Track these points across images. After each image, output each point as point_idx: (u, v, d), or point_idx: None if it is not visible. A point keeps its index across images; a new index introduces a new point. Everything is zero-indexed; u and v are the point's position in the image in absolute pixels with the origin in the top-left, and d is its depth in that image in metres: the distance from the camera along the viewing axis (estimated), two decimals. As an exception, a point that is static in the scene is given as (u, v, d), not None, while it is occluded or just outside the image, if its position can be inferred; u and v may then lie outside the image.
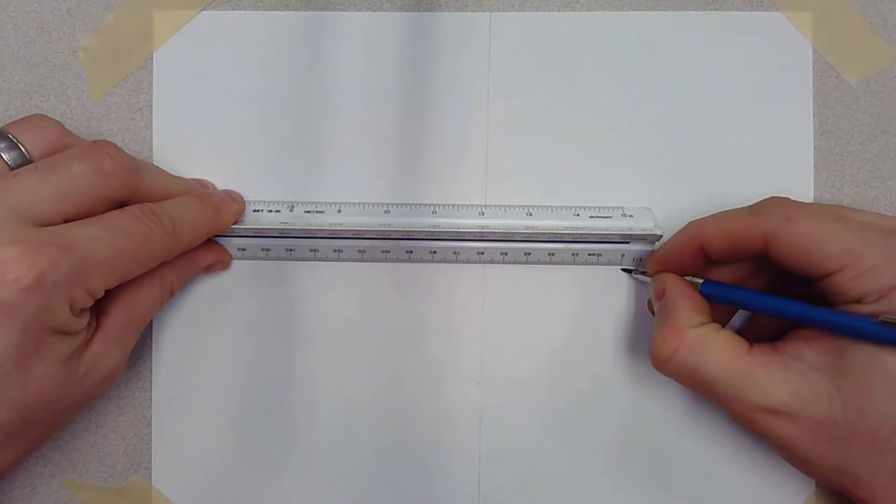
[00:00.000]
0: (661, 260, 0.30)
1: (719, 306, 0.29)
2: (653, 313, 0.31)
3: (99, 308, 0.27)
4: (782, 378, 0.25)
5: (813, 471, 0.26)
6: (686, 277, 0.29)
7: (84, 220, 0.25)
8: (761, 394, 0.25)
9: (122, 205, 0.26)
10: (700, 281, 0.28)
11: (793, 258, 0.25)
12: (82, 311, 0.25)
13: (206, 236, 0.29)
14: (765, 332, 0.30)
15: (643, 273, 0.31)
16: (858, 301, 0.25)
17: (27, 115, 0.28)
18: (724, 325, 0.28)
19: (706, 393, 0.27)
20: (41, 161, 0.25)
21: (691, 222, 0.29)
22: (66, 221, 0.25)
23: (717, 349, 0.26)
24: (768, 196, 0.27)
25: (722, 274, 0.29)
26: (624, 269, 0.32)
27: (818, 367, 0.25)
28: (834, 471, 0.25)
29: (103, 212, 0.26)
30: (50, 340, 0.24)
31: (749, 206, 0.27)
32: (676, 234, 0.29)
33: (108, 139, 0.31)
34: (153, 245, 0.26)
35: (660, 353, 0.27)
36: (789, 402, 0.25)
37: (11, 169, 0.25)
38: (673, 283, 0.29)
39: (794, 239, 0.25)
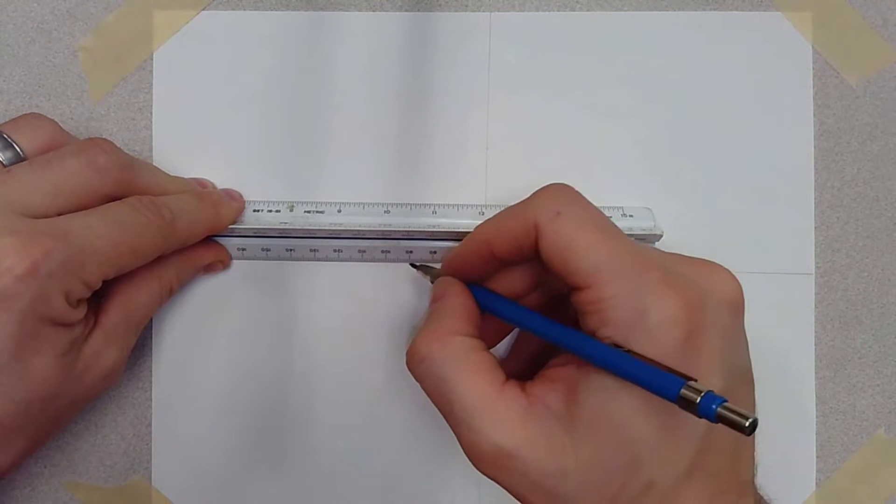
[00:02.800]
0: (451, 262, 0.28)
1: (490, 329, 0.28)
2: None
3: (97, 306, 0.27)
4: (521, 421, 0.23)
5: None
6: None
7: (80, 212, 0.25)
8: (496, 432, 0.23)
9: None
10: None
11: (552, 259, 0.23)
12: (79, 302, 0.25)
13: (204, 232, 0.29)
14: (528, 362, 0.29)
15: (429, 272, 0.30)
16: (593, 332, 0.23)
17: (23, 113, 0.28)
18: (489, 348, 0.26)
19: (445, 410, 0.24)
20: (36, 157, 0.26)
21: (480, 224, 0.26)
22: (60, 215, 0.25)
23: (474, 367, 0.24)
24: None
25: (511, 283, 0.27)
26: (412, 265, 0.31)
27: (556, 413, 0.23)
28: None
29: None
30: (47, 332, 0.24)
31: (529, 196, 0.25)
32: (468, 236, 0.27)
33: (108, 139, 0.31)
34: (151, 235, 0.26)
35: (416, 351, 0.25)
36: (522, 448, 0.22)
37: (6, 167, 0.25)
38: (454, 289, 0.27)
39: (556, 238, 0.23)
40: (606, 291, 0.22)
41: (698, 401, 0.20)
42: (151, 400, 0.32)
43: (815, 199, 0.32)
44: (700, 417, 0.20)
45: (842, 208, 0.32)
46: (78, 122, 0.32)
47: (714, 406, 0.20)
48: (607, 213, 0.30)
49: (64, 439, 0.32)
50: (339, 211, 0.31)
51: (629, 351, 0.22)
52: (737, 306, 0.24)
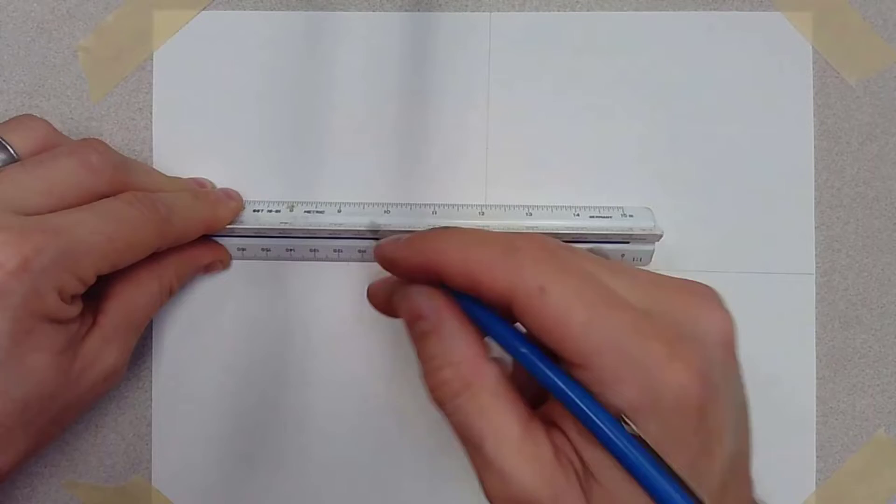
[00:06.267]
0: (390, 261, 0.24)
1: None
2: (371, 302, 0.27)
3: (96, 306, 0.27)
4: (549, 472, 0.20)
5: None
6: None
7: (73, 208, 0.25)
8: (527, 481, 0.20)
9: None
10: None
11: (540, 335, 0.20)
12: (73, 298, 0.25)
13: (201, 229, 0.29)
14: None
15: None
16: (595, 396, 0.20)
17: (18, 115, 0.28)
18: None
19: (471, 447, 0.21)
20: (29, 157, 0.26)
21: (430, 239, 0.22)
22: None
23: (507, 401, 0.21)
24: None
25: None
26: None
27: (577, 471, 0.20)
28: None
29: None
30: (42, 328, 0.24)
31: (507, 244, 0.21)
32: (409, 246, 0.23)
33: (108, 139, 0.31)
34: (145, 229, 0.26)
35: (445, 381, 0.21)
36: (545, 499, 0.20)
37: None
38: (444, 302, 0.22)
39: (543, 319, 0.20)
40: (608, 374, 0.20)
41: None
42: (151, 400, 0.32)
43: (815, 199, 0.32)
44: None
45: (842, 208, 0.32)
46: (78, 122, 0.32)
47: None
48: (607, 213, 0.31)
49: (64, 439, 0.32)
50: (339, 211, 0.31)
51: (643, 442, 0.19)
52: (731, 345, 0.22)
